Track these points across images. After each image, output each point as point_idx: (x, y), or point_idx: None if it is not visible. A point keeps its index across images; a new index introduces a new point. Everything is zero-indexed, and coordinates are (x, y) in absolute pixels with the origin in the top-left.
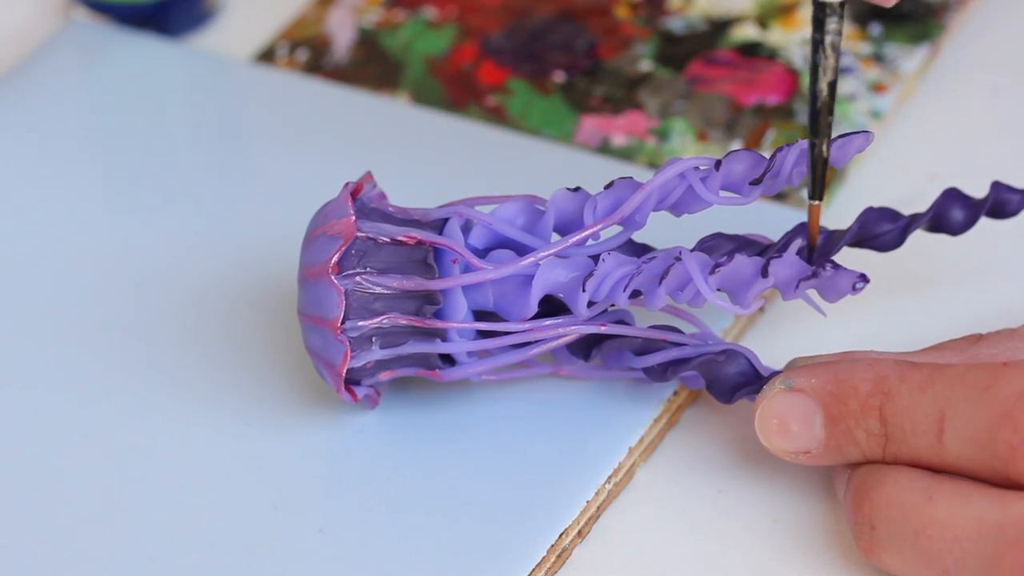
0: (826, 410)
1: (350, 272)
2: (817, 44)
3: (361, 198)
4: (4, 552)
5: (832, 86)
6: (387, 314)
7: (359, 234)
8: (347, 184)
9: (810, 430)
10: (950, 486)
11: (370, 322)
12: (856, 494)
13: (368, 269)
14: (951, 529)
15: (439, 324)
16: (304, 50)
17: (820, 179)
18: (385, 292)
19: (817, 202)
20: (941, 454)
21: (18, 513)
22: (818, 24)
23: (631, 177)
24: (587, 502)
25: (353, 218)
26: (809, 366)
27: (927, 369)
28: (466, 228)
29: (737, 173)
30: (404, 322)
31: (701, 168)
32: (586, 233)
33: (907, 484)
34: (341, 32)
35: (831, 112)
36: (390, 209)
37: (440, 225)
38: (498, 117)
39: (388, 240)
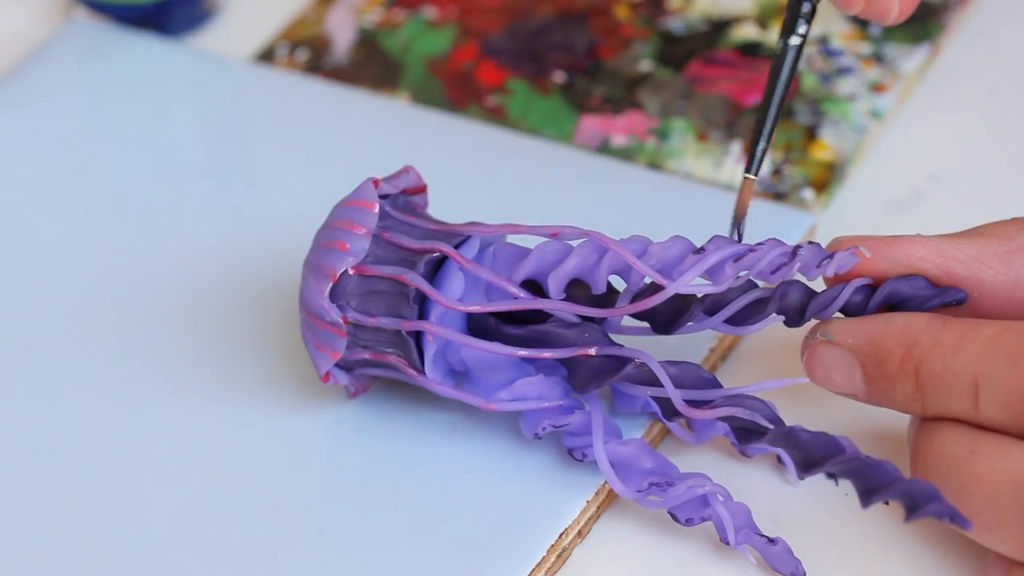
0: (864, 369)
1: (340, 304)
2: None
3: (392, 202)
4: (4, 552)
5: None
6: (371, 349)
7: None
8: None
9: (852, 381)
10: (993, 441)
11: (358, 355)
12: (913, 449)
13: (354, 304)
14: (989, 484)
15: (421, 381)
16: (304, 50)
17: (760, 152)
18: (368, 326)
19: (752, 176)
20: (978, 417)
21: (18, 513)
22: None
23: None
24: (587, 502)
25: (358, 261)
26: (847, 321)
27: (959, 329)
28: (484, 246)
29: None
30: (392, 360)
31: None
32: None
33: (953, 439)
34: (341, 32)
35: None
36: (414, 221)
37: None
38: (498, 117)
39: (383, 276)
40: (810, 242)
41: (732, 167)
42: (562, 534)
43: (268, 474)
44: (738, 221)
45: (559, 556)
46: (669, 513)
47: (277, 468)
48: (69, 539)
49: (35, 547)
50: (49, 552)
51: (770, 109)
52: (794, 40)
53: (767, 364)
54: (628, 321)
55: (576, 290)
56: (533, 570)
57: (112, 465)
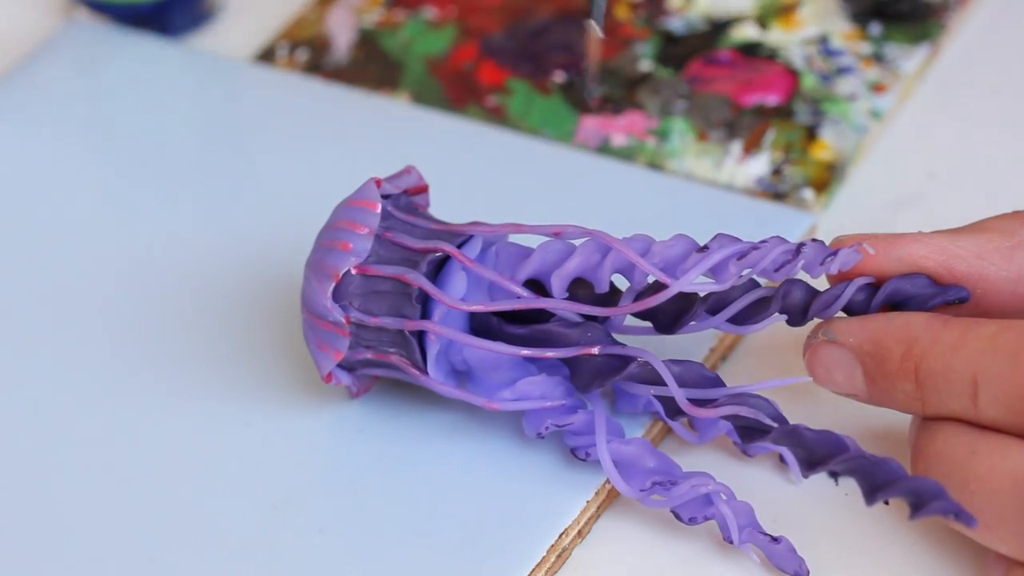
0: (864, 368)
1: (342, 304)
2: None
3: (394, 202)
4: (4, 552)
5: None
6: (374, 349)
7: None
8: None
9: (853, 381)
10: (993, 440)
11: (361, 355)
12: (913, 449)
13: (356, 304)
14: (989, 483)
15: (424, 381)
16: (304, 50)
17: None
18: (371, 326)
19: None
20: (978, 416)
21: (17, 513)
22: None
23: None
24: (587, 502)
25: (360, 260)
26: (848, 320)
27: (959, 328)
28: (486, 246)
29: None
30: (394, 360)
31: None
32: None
33: (954, 439)
34: (341, 32)
35: None
36: (416, 221)
37: (464, 241)
38: (498, 117)
39: (385, 276)
40: (813, 239)
41: (732, 167)
42: (562, 534)
43: (268, 474)
44: (593, 77)
45: (559, 556)
46: (672, 512)
47: (277, 468)
48: (69, 539)
49: (35, 546)
50: (49, 552)
51: None
52: None
53: (767, 363)
54: (631, 320)
55: (579, 289)
56: (533, 570)
57: (112, 465)
